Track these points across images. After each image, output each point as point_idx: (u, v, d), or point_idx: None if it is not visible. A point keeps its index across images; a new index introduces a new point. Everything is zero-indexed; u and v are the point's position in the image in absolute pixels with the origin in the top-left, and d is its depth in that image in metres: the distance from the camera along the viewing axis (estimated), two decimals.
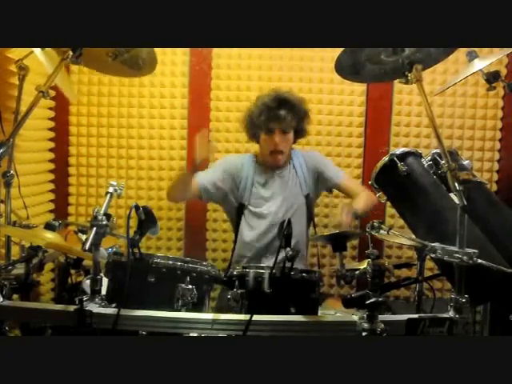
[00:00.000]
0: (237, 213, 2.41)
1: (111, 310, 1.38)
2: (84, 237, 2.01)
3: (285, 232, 1.41)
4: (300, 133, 2.39)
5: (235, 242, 2.45)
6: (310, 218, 2.51)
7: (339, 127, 2.94)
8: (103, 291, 1.47)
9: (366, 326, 1.30)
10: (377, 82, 2.12)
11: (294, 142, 2.45)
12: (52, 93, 2.51)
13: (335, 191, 2.62)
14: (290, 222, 1.43)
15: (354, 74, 1.62)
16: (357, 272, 1.57)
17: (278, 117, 2.25)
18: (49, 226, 2.10)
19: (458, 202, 1.30)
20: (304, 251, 2.48)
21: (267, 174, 2.42)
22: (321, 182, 2.48)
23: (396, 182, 1.61)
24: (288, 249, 1.41)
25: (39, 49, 1.83)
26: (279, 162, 2.37)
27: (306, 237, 2.48)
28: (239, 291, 1.49)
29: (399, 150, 1.63)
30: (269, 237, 2.35)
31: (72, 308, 1.36)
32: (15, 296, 1.92)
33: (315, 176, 2.46)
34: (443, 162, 1.35)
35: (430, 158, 1.68)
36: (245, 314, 1.43)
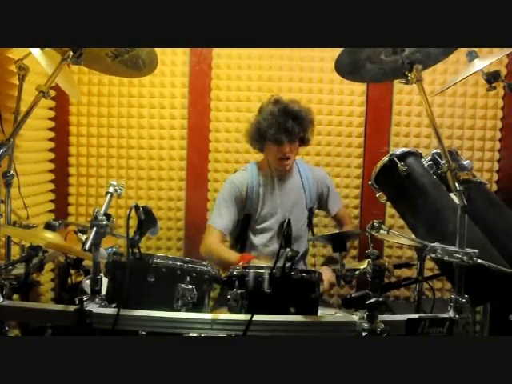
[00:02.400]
0: (242, 223, 2.42)
1: (111, 310, 1.37)
2: (84, 237, 2.00)
3: (285, 232, 1.41)
4: (304, 141, 2.40)
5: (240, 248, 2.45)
6: (310, 228, 2.55)
7: (339, 127, 2.95)
8: (103, 291, 1.47)
9: (365, 326, 1.30)
10: (376, 81, 2.12)
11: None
12: (52, 93, 2.51)
13: None
14: (289, 222, 1.43)
15: (353, 73, 1.62)
16: (357, 272, 1.56)
17: (289, 129, 2.25)
18: (49, 226, 2.10)
19: (458, 202, 1.30)
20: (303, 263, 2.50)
21: (272, 184, 2.43)
22: (320, 201, 2.53)
23: (396, 182, 1.61)
24: (288, 249, 1.41)
25: (38, 49, 1.83)
26: (286, 167, 2.38)
27: (307, 247, 2.52)
28: (239, 291, 1.49)
29: (399, 150, 1.64)
30: (274, 245, 2.36)
31: (72, 308, 1.35)
32: (15, 296, 1.92)
33: (319, 192, 2.51)
34: (443, 161, 1.35)
35: (430, 157, 1.68)
36: (245, 314, 1.43)
